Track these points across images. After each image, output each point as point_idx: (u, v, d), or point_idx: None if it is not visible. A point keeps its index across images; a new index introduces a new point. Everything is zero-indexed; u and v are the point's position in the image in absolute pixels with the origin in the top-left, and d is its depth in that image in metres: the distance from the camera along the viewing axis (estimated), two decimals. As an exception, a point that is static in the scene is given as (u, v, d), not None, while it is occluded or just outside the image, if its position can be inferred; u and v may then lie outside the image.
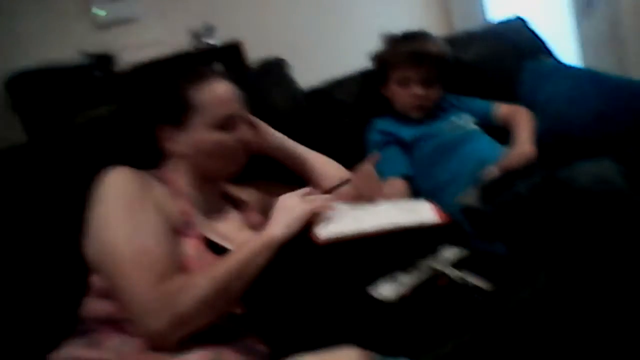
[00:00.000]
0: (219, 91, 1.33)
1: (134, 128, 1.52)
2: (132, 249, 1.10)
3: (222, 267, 1.12)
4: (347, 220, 1.32)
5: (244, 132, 1.35)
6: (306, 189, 1.33)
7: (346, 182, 1.45)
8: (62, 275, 1.36)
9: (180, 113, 1.31)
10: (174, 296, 1.06)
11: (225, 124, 1.31)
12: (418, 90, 1.92)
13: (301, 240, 1.24)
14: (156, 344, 1.06)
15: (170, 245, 1.16)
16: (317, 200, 1.31)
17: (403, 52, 1.95)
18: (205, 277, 1.10)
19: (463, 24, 3.39)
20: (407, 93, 1.94)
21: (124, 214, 1.15)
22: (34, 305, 1.33)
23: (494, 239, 1.55)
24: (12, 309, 1.31)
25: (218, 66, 2.68)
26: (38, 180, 1.45)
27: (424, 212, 1.38)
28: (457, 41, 2.27)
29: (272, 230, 1.21)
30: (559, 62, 2.30)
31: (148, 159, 1.36)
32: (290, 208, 1.26)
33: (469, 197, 1.64)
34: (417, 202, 1.50)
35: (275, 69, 1.98)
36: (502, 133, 1.94)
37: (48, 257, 1.38)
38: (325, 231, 1.26)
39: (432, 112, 1.99)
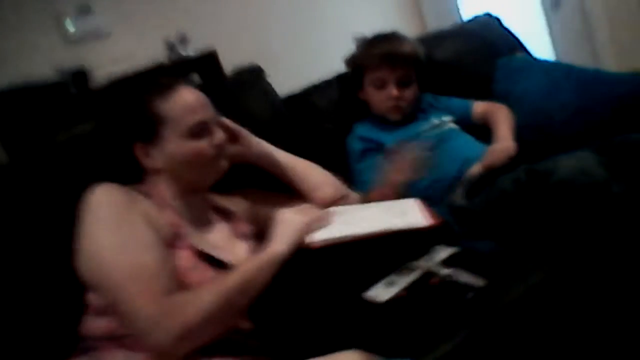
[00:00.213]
0: (186, 99, 1.30)
1: (112, 145, 1.51)
2: (128, 265, 1.09)
3: (227, 282, 1.13)
4: (338, 226, 1.33)
5: (219, 137, 1.32)
6: (305, 205, 1.39)
7: (340, 199, 1.49)
8: (57, 295, 1.34)
9: (150, 128, 1.28)
10: (178, 310, 1.05)
11: (198, 131, 1.29)
12: (394, 91, 1.92)
13: (296, 250, 1.26)
14: (161, 357, 1.06)
15: (165, 258, 1.15)
16: (313, 211, 1.36)
17: (376, 54, 1.94)
18: (210, 292, 1.10)
19: (436, 23, 3.42)
20: (383, 95, 1.94)
21: (115, 230, 1.14)
22: (32, 327, 1.32)
23: (482, 236, 1.57)
24: (12, 332, 1.31)
25: (194, 77, 2.69)
26: (23, 199, 1.43)
27: (413, 215, 1.39)
28: (430, 40, 2.28)
29: (275, 246, 1.23)
30: (532, 58, 2.33)
31: (131, 174, 1.35)
32: (289, 221, 1.29)
33: (456, 196, 1.66)
34: (407, 202, 1.50)
35: (251, 76, 1.97)
36: (481, 131, 1.96)
37: (41, 277, 1.36)
38: (318, 236, 1.28)
39: (411, 113, 1.99)
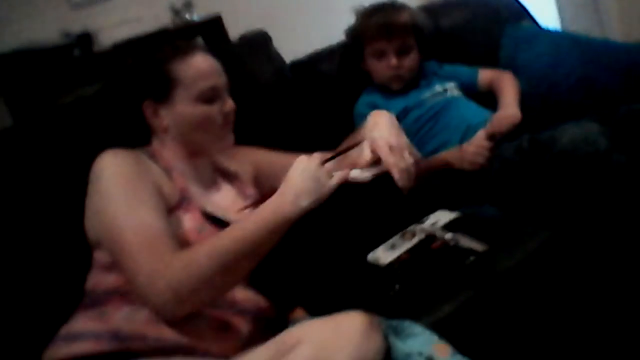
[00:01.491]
0: (202, 64, 1.32)
1: (120, 106, 1.52)
2: (133, 226, 1.11)
3: (224, 245, 1.09)
4: None
5: (229, 105, 1.34)
6: (324, 154, 1.18)
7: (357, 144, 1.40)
8: (63, 253, 1.37)
9: (164, 88, 1.30)
10: (177, 273, 1.05)
11: (209, 96, 1.31)
12: (393, 61, 1.93)
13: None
14: (161, 317, 1.08)
15: (168, 224, 1.16)
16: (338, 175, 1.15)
17: (373, 25, 1.95)
18: (208, 255, 1.07)
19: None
20: (383, 65, 1.95)
21: (123, 192, 1.16)
22: (39, 284, 1.36)
23: (486, 201, 1.59)
24: (20, 290, 1.34)
25: (199, 41, 2.68)
26: (30, 162, 1.46)
27: None
28: (437, 8, 2.29)
29: (285, 206, 1.10)
30: (538, 27, 2.33)
31: (137, 136, 1.37)
32: (305, 171, 1.13)
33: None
34: None
35: (257, 42, 1.97)
36: (487, 98, 1.96)
37: (47, 237, 1.40)
38: None
39: (415, 81, 2.00)
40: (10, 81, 2.40)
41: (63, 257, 1.37)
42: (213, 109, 1.31)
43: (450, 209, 1.48)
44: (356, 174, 1.20)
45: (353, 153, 1.30)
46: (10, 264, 1.36)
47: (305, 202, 1.09)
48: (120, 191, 1.16)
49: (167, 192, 1.22)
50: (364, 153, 1.24)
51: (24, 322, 1.31)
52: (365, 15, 2.00)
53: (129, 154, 1.23)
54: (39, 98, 2.29)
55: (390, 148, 1.19)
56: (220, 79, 1.34)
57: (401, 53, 1.94)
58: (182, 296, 1.05)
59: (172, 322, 1.08)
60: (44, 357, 1.09)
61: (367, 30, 1.96)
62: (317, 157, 1.14)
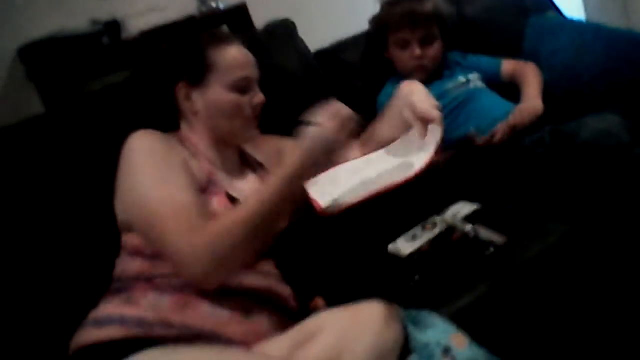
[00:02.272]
0: (238, 54, 1.37)
1: (152, 89, 1.55)
2: (168, 199, 1.14)
3: (254, 208, 1.13)
4: (340, 180, 1.31)
5: (259, 97, 1.38)
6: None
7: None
8: (93, 239, 1.41)
9: (200, 71, 1.35)
10: (214, 240, 1.09)
11: (242, 86, 1.35)
12: (417, 51, 1.94)
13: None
14: (200, 287, 1.12)
15: (200, 199, 1.20)
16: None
17: (397, 14, 1.96)
18: (241, 220, 1.12)
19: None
20: (407, 55, 1.96)
21: (155, 168, 1.20)
22: (70, 269, 1.40)
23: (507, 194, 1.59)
24: (51, 275, 1.38)
25: (224, 29, 2.71)
26: (61, 148, 1.50)
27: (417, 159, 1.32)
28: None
29: (287, 162, 1.18)
30: (563, 17, 2.32)
31: (166, 122, 1.40)
32: (314, 137, 1.19)
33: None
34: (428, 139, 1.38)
35: (283, 31, 1.99)
36: (510, 89, 1.96)
37: (78, 222, 1.44)
38: (322, 197, 1.25)
39: (439, 72, 2.01)
40: (42, 69, 2.45)
41: (93, 243, 1.41)
42: (244, 99, 1.35)
43: (471, 201, 1.49)
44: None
45: (379, 130, 1.45)
46: (42, 250, 1.40)
47: (312, 170, 1.19)
48: (152, 167, 1.20)
49: (196, 173, 1.26)
50: (405, 115, 1.36)
51: (55, 307, 1.35)
52: (390, 5, 2.01)
53: (159, 135, 1.28)
54: (70, 85, 2.34)
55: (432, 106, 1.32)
56: (253, 71, 1.39)
57: (425, 43, 1.95)
58: (220, 262, 1.09)
59: (196, 309, 1.11)
60: (73, 341, 1.13)
61: (391, 20, 1.97)
62: (334, 129, 1.19)
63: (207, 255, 1.08)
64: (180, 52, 1.41)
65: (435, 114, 1.31)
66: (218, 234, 1.09)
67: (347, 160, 1.36)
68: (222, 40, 1.38)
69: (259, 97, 1.38)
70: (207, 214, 1.17)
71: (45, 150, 1.49)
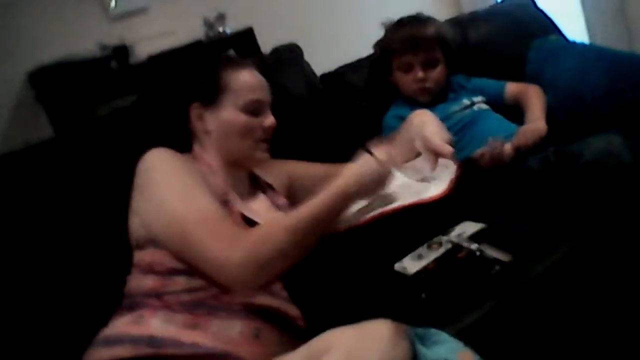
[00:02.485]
0: (251, 78, 1.42)
1: (164, 110, 1.60)
2: (197, 209, 1.17)
3: (298, 219, 1.17)
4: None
5: (270, 120, 1.42)
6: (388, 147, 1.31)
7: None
8: (103, 258, 1.43)
9: (213, 92, 1.39)
10: (255, 245, 1.12)
11: (254, 108, 1.39)
12: (419, 74, 1.96)
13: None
14: (237, 288, 1.15)
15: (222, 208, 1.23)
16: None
17: (399, 39, 1.98)
18: (284, 228, 1.15)
19: (471, 5, 3.43)
20: (409, 78, 1.98)
21: (180, 184, 1.22)
22: (79, 288, 1.41)
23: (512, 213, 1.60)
24: (61, 293, 1.40)
25: (231, 53, 2.75)
26: (70, 172, 1.52)
27: (433, 187, 1.38)
28: (464, 22, 2.32)
29: (343, 180, 1.21)
30: (566, 40, 2.34)
31: (176, 144, 1.41)
32: (365, 161, 1.25)
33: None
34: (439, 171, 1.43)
35: (289, 55, 2.02)
36: (513, 112, 1.98)
37: (88, 242, 1.46)
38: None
39: (443, 95, 2.03)
40: (51, 93, 2.49)
41: (104, 262, 1.43)
42: (255, 121, 1.39)
43: (477, 220, 1.51)
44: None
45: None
46: (54, 270, 1.41)
47: (360, 197, 1.24)
48: (177, 182, 1.23)
49: (212, 189, 1.28)
50: (417, 146, 1.42)
51: (66, 325, 1.36)
52: (392, 29, 2.04)
53: (173, 151, 1.31)
54: (79, 109, 2.38)
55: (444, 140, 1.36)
56: (266, 95, 1.43)
57: (427, 66, 1.97)
58: (260, 267, 1.11)
59: (207, 328, 1.13)
60: (83, 359, 1.14)
61: (394, 44, 1.99)
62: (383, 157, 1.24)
63: (247, 262, 1.10)
64: (196, 72, 1.45)
65: (448, 150, 1.35)
66: (259, 241, 1.12)
67: None
68: (237, 64, 1.43)
69: (270, 120, 1.42)
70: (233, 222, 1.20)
71: (55, 173, 1.51)
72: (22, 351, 1.32)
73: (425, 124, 1.43)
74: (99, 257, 1.44)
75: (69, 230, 1.46)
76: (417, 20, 2.02)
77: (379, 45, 2.08)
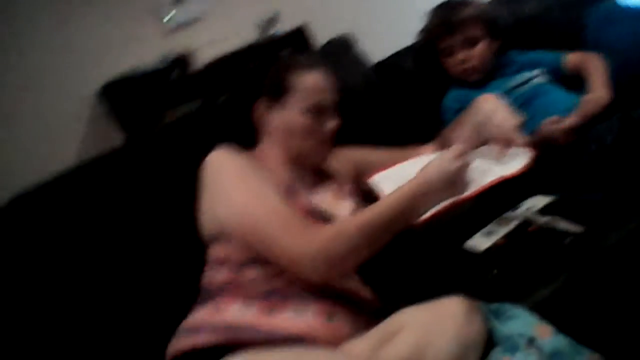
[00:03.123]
0: (317, 80, 1.44)
1: (231, 109, 1.66)
2: (269, 205, 1.21)
3: (372, 216, 1.18)
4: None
5: (332, 123, 1.45)
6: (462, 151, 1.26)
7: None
8: (180, 254, 1.49)
9: (279, 92, 1.44)
10: (329, 240, 1.14)
11: (317, 111, 1.42)
12: (460, 55, 1.96)
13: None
14: (312, 280, 1.17)
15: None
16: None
17: (434, 24, 2.00)
18: (357, 225, 1.16)
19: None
20: (452, 61, 1.98)
21: (248, 182, 1.26)
22: (160, 285, 1.48)
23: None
24: (144, 290, 1.47)
25: (286, 52, 2.78)
26: (142, 176, 1.59)
27: (512, 164, 1.37)
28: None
29: (416, 181, 1.21)
30: (622, 5, 2.27)
31: (243, 141, 1.47)
32: (445, 179, 1.21)
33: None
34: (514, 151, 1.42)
35: (341, 46, 2.04)
36: (575, 82, 1.94)
37: (163, 242, 1.52)
38: None
39: (498, 72, 2.01)
40: (122, 104, 2.62)
41: (181, 259, 1.48)
42: (317, 123, 1.43)
43: (546, 194, 1.48)
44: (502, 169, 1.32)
45: (455, 138, 1.50)
46: (138, 267, 1.49)
47: (433, 199, 1.22)
48: (245, 180, 1.27)
49: (277, 183, 1.31)
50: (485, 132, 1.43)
51: (152, 318, 1.43)
52: (429, 16, 2.05)
53: (236, 151, 1.34)
54: (147, 117, 2.49)
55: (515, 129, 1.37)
56: (330, 97, 1.46)
57: (467, 46, 1.96)
58: (333, 261, 1.14)
59: (282, 313, 1.15)
60: (169, 349, 1.18)
61: (431, 30, 2.01)
62: (457, 158, 1.22)
63: (320, 257, 1.14)
64: (264, 71, 1.50)
65: (520, 139, 1.35)
66: (332, 237, 1.15)
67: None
68: (305, 65, 1.46)
69: (332, 122, 1.45)
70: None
71: (129, 178, 1.57)
72: (114, 344, 1.39)
73: (495, 111, 1.44)
74: (175, 255, 1.50)
75: (147, 230, 1.53)
76: (449, 4, 2.02)
77: (421, 33, 2.09)
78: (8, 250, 1.42)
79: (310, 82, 1.43)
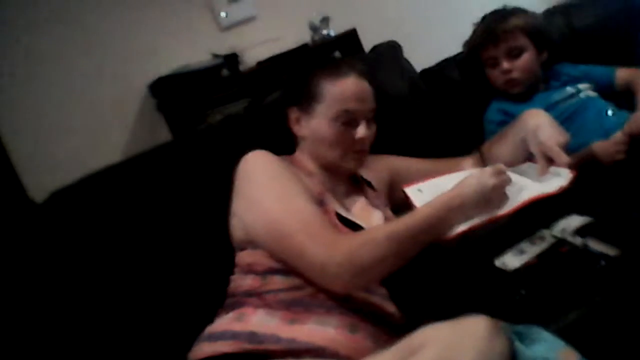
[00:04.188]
0: (347, 88, 1.39)
1: (270, 114, 1.66)
2: (298, 212, 1.21)
3: (400, 228, 1.17)
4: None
5: (362, 132, 1.40)
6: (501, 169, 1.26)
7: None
8: (213, 256, 1.49)
9: (308, 100, 1.42)
10: (357, 248, 1.15)
11: (346, 119, 1.39)
12: (504, 65, 1.93)
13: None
14: (335, 289, 1.18)
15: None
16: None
17: (479, 34, 1.99)
18: (385, 236, 1.16)
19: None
20: (496, 72, 1.96)
21: (279, 187, 1.27)
22: (188, 287, 1.49)
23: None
24: (171, 291, 1.48)
25: (336, 54, 2.80)
26: (186, 172, 1.61)
27: (551, 183, 1.33)
28: (569, 8, 2.25)
29: (451, 195, 1.21)
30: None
31: (282, 146, 1.49)
32: (480, 196, 1.21)
33: None
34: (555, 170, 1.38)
35: (388, 52, 2.03)
36: (627, 99, 1.89)
37: (199, 243, 1.53)
38: None
39: (544, 84, 1.98)
40: (169, 101, 2.66)
41: (212, 261, 1.49)
42: (346, 131, 1.40)
43: (584, 213, 1.45)
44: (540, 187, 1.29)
45: (496, 151, 1.49)
46: (164, 271, 1.49)
47: (467, 215, 1.20)
48: (276, 185, 1.28)
49: (309, 190, 1.32)
50: (530, 147, 1.40)
51: (176, 322, 1.43)
52: (475, 26, 2.04)
53: (272, 154, 1.36)
54: (194, 115, 2.53)
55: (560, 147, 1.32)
56: (361, 105, 1.41)
57: (511, 57, 1.93)
58: (359, 269, 1.14)
59: (304, 324, 1.16)
60: (190, 354, 1.20)
61: (476, 40, 2.00)
62: (496, 176, 1.22)
63: (346, 266, 1.13)
64: (295, 78, 1.50)
65: (565, 160, 1.31)
66: (359, 246, 1.15)
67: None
68: (337, 72, 1.41)
69: (361, 132, 1.40)
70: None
71: (173, 173, 1.60)
72: (137, 348, 1.40)
73: (541, 127, 1.39)
74: (208, 258, 1.51)
75: (184, 228, 1.53)
76: (496, 14, 2.00)
77: (466, 43, 2.08)
78: (48, 245, 1.44)
79: (340, 89, 1.39)
